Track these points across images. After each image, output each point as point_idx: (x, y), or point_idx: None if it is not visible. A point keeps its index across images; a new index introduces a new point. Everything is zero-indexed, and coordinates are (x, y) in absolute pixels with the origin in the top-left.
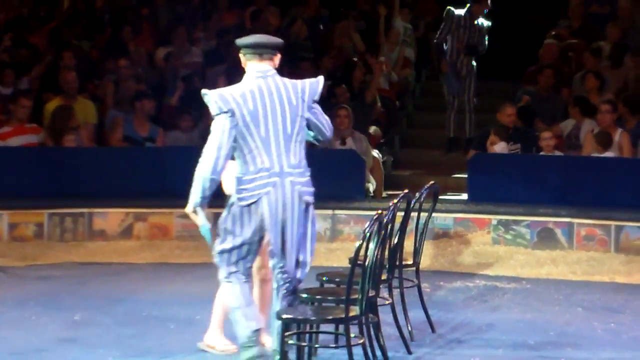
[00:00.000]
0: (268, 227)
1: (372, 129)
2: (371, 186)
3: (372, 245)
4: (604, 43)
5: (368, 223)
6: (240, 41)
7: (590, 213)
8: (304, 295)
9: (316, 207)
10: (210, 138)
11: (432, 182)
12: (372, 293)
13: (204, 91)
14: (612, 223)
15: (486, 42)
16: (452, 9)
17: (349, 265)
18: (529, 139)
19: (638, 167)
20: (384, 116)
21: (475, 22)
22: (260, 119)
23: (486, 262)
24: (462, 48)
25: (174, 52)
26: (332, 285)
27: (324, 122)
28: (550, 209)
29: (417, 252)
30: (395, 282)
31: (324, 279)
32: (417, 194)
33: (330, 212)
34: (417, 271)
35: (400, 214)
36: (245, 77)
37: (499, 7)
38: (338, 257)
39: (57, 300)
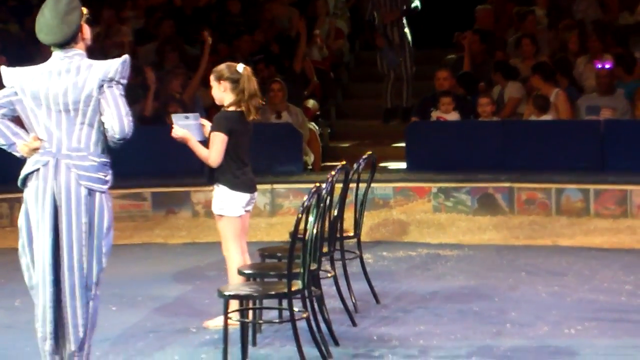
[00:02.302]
0: (31, 216)
1: (309, 101)
2: (309, 159)
3: (311, 219)
4: (537, 7)
5: (307, 196)
6: (39, 37)
7: (530, 177)
8: (247, 272)
9: (256, 182)
10: None
11: (369, 152)
12: (314, 266)
13: (1, 68)
14: (553, 186)
15: (414, 3)
16: None
17: (290, 240)
18: (467, 106)
19: (576, 129)
20: (319, 88)
21: None
22: (42, 98)
23: (428, 231)
24: (389, 18)
25: (102, 32)
26: (273, 260)
27: (115, 110)
28: (490, 174)
29: (357, 224)
30: (337, 255)
31: (266, 254)
32: (355, 165)
33: (269, 186)
34: (359, 242)
35: (339, 186)
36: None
37: None
38: (279, 232)
39: None
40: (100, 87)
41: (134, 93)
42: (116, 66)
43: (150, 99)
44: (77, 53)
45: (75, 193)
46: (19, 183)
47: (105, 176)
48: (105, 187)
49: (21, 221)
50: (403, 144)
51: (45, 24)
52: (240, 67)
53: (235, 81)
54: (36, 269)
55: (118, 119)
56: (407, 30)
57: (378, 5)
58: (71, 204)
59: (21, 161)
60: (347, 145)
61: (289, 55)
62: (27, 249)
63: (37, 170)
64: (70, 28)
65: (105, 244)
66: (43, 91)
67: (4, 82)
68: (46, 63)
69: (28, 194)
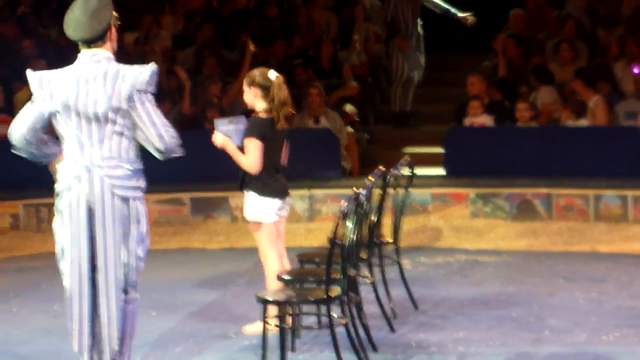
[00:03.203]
0: (66, 227)
1: (347, 106)
2: (347, 164)
3: (350, 224)
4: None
5: (345, 202)
6: (67, 33)
7: (568, 183)
8: (285, 277)
9: (293, 187)
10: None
11: (407, 157)
12: (352, 272)
13: (28, 72)
14: (591, 192)
15: (445, 6)
16: None
17: (328, 245)
18: (503, 111)
19: (614, 134)
20: (358, 93)
21: None
22: (72, 108)
23: (466, 237)
24: (410, 20)
25: (142, 37)
26: (312, 266)
27: (152, 129)
28: (528, 180)
29: (396, 229)
30: (375, 260)
31: (304, 259)
32: (393, 170)
33: (307, 192)
34: (397, 248)
35: (377, 191)
36: (76, 61)
37: None
38: (317, 237)
39: (36, 291)
40: (130, 98)
41: (171, 97)
42: (145, 77)
43: (187, 97)
44: (105, 56)
45: (110, 203)
46: (55, 196)
47: (140, 182)
48: (140, 193)
49: (57, 229)
50: (441, 150)
51: (74, 20)
52: (273, 74)
53: (266, 88)
54: (72, 282)
55: (157, 136)
56: (421, 32)
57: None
58: (106, 213)
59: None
60: (384, 150)
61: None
62: (65, 254)
63: (70, 185)
64: (101, 25)
65: (143, 250)
66: (72, 100)
67: (33, 89)
68: (73, 66)
69: (63, 206)
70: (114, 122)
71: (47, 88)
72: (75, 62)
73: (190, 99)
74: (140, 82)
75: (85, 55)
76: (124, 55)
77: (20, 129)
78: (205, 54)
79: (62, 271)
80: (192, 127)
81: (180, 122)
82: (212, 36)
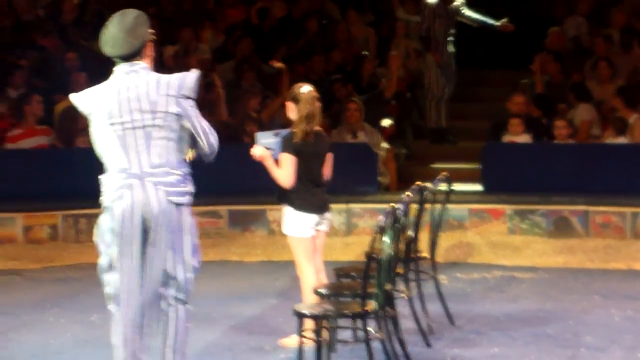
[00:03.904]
0: (118, 236)
1: (385, 121)
2: (385, 179)
3: (387, 239)
4: (612, 29)
5: (382, 216)
6: (104, 50)
7: (605, 200)
8: (322, 291)
9: (331, 202)
10: None
11: (444, 173)
12: (388, 287)
13: (70, 96)
14: (628, 210)
15: (481, 18)
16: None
17: (365, 260)
18: (540, 128)
19: None
20: (396, 109)
21: (450, 10)
22: (115, 117)
23: (503, 253)
24: (441, 36)
25: (181, 51)
26: (348, 280)
27: (199, 126)
28: (566, 197)
29: (432, 245)
30: (411, 275)
31: (341, 273)
32: (430, 186)
33: (344, 206)
34: (434, 263)
35: (414, 207)
36: (113, 74)
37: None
38: (354, 251)
39: (74, 301)
40: (178, 103)
41: (209, 109)
42: (191, 82)
43: (222, 105)
44: (143, 67)
45: (165, 210)
46: (102, 205)
47: (190, 187)
48: (191, 199)
49: (102, 240)
50: (478, 166)
51: (112, 37)
52: (305, 88)
53: (297, 102)
54: (124, 291)
55: (205, 139)
56: (452, 49)
57: (434, 18)
58: (161, 221)
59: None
60: (422, 165)
61: (363, 74)
62: (111, 269)
63: (122, 194)
64: (138, 40)
65: (197, 260)
66: (116, 110)
67: (80, 109)
68: (111, 80)
69: (114, 216)
70: (161, 128)
71: (91, 104)
72: (113, 76)
73: (226, 109)
74: (186, 88)
75: (122, 67)
76: (164, 68)
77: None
78: (244, 68)
79: (107, 282)
80: (231, 140)
81: (218, 134)
82: (251, 50)
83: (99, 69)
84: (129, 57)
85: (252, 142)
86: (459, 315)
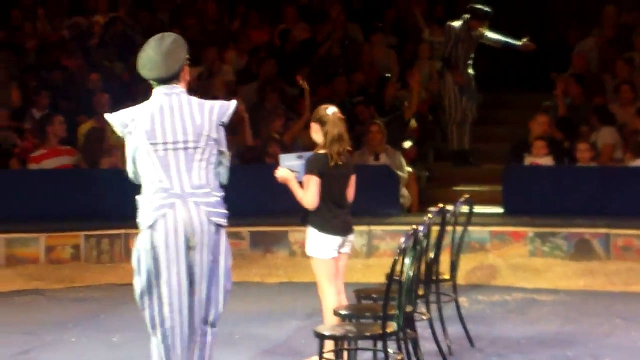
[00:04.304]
0: (161, 256)
1: (407, 144)
2: (406, 201)
3: (408, 261)
4: (635, 52)
5: (404, 238)
6: (142, 73)
7: (627, 223)
8: (342, 313)
9: (353, 224)
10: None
11: (466, 195)
12: (409, 309)
13: (106, 116)
14: None
15: (504, 39)
16: (451, 23)
17: (386, 282)
18: (561, 150)
19: None
20: (418, 131)
21: (473, 35)
22: (158, 137)
23: (524, 275)
24: (462, 60)
25: (205, 72)
26: (369, 302)
27: (228, 156)
28: (587, 220)
29: (454, 267)
30: (432, 297)
31: (362, 295)
32: (452, 208)
33: (366, 228)
34: (455, 286)
35: (435, 229)
36: (152, 97)
37: (530, 20)
38: (375, 273)
39: (95, 322)
40: (219, 128)
41: (232, 130)
42: (231, 112)
43: (247, 129)
44: (182, 90)
45: (208, 230)
46: (143, 226)
47: (226, 210)
48: (227, 222)
49: (142, 261)
50: (500, 188)
51: (150, 60)
52: (330, 110)
53: (323, 124)
54: (171, 312)
55: (227, 167)
56: (471, 72)
57: (457, 41)
58: (204, 241)
59: (126, 199)
60: (443, 188)
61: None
62: (153, 291)
63: (165, 213)
64: (177, 63)
65: (230, 283)
66: (159, 130)
67: (117, 129)
68: (151, 102)
69: (158, 235)
70: (203, 151)
71: (131, 125)
72: (152, 98)
73: (251, 132)
74: (227, 116)
75: (161, 90)
76: (188, 90)
77: (129, 167)
78: (268, 89)
79: (145, 305)
80: (254, 161)
81: (241, 156)
82: (274, 72)
83: (121, 91)
84: (167, 80)
85: (274, 164)
86: (480, 338)
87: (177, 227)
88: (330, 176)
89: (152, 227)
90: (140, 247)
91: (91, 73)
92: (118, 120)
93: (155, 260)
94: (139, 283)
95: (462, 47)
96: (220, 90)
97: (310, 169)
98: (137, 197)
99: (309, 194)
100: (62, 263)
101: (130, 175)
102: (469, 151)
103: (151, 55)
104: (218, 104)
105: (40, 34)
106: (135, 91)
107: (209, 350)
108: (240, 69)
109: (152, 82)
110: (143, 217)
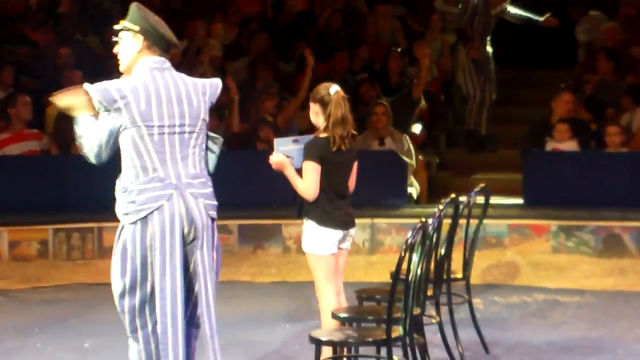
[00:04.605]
0: (156, 254)
1: (415, 127)
2: (414, 191)
3: (416, 258)
4: None
5: (411, 232)
6: (146, 22)
7: None
8: (342, 315)
9: (355, 216)
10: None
11: (481, 184)
12: (417, 311)
13: (85, 86)
14: None
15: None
16: None
17: (391, 281)
18: (587, 133)
19: None
20: (428, 112)
21: (493, 11)
22: (154, 119)
23: (546, 274)
24: (478, 33)
25: (191, 47)
26: (372, 303)
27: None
28: (617, 212)
29: (467, 264)
30: (443, 298)
31: (363, 296)
32: (466, 198)
33: (369, 221)
34: (468, 285)
35: (447, 222)
36: (136, 68)
37: None
38: (378, 271)
39: (64, 326)
40: (210, 110)
41: (219, 112)
42: (219, 90)
43: (235, 113)
44: (170, 66)
45: (207, 225)
46: (131, 219)
47: (216, 202)
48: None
49: (128, 258)
50: (519, 176)
51: (161, 22)
52: (333, 89)
53: (324, 104)
54: (163, 317)
55: (218, 150)
56: (489, 49)
57: (473, 14)
58: (204, 237)
59: (99, 189)
60: (456, 176)
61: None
62: (137, 290)
63: (161, 205)
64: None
65: (218, 277)
66: (156, 110)
67: (100, 103)
68: (141, 76)
69: (151, 231)
70: (198, 136)
71: (120, 101)
72: (140, 72)
73: (239, 115)
74: (216, 96)
75: (149, 63)
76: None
77: (97, 146)
78: (260, 66)
79: (124, 309)
80: (243, 146)
81: (228, 141)
82: (267, 47)
83: (95, 67)
84: (169, 46)
85: (266, 149)
86: (496, 344)
87: (173, 221)
88: (331, 163)
89: (144, 220)
90: (127, 243)
91: (60, 47)
92: (103, 93)
93: (145, 257)
94: (120, 283)
95: (479, 21)
96: (207, 68)
97: (309, 154)
98: (120, 185)
99: (308, 182)
100: (27, 260)
101: (95, 156)
102: (486, 136)
103: (157, 18)
104: (207, 83)
105: (2, 4)
106: (111, 67)
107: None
108: (229, 43)
109: (149, 44)
110: (131, 209)
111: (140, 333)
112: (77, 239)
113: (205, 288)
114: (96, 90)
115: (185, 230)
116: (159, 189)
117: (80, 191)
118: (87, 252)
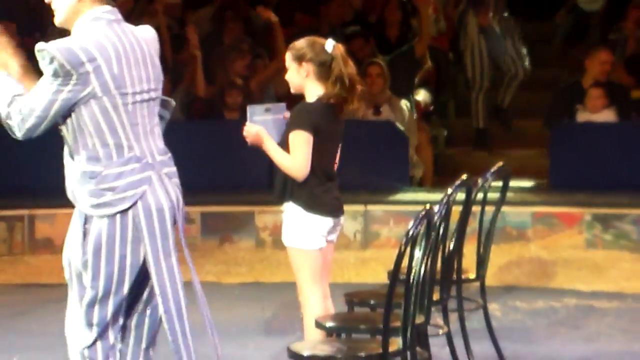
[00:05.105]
0: (149, 251)
1: (419, 92)
2: (417, 171)
3: (418, 253)
4: None
5: (413, 222)
6: None
7: None
8: (328, 324)
9: (344, 202)
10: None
11: (499, 163)
12: (420, 319)
13: (40, 45)
14: None
15: None
16: None
17: (388, 282)
18: (629, 102)
19: None
20: (434, 75)
21: None
22: (127, 85)
23: (578, 274)
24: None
25: None
26: (365, 310)
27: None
28: None
29: (481, 262)
30: (452, 304)
31: (354, 300)
32: (480, 180)
33: (361, 207)
34: (483, 288)
35: (457, 209)
36: (83, 20)
37: None
38: (373, 270)
39: None
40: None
41: (177, 74)
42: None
43: (199, 73)
44: (118, 11)
45: (183, 210)
46: (107, 211)
47: None
48: None
49: (104, 258)
50: (545, 153)
51: None
52: (330, 44)
53: (323, 64)
54: (169, 318)
55: (169, 116)
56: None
57: None
58: (182, 225)
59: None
60: (469, 153)
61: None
62: (110, 297)
63: (144, 192)
64: None
65: None
66: (127, 74)
67: (64, 66)
68: (101, 31)
69: (136, 225)
70: (158, 102)
71: (88, 65)
72: (96, 25)
73: (203, 76)
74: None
75: (102, 13)
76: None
77: (34, 120)
78: (227, 16)
79: (95, 321)
80: (206, 115)
81: (188, 108)
82: None
83: (26, 19)
84: None
85: (236, 119)
86: (517, 359)
87: (161, 208)
88: (326, 134)
89: (125, 211)
90: (102, 240)
91: None
92: (67, 54)
93: (124, 258)
94: (89, 290)
95: None
96: (162, 18)
97: (301, 122)
98: (80, 169)
99: (299, 157)
100: None
101: (27, 130)
102: (506, 110)
103: None
104: (151, 33)
105: None
106: (44, 19)
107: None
108: None
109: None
110: (109, 198)
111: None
112: (3, 230)
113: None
114: (58, 49)
115: (172, 216)
116: (138, 170)
117: (8, 172)
118: (15, 246)
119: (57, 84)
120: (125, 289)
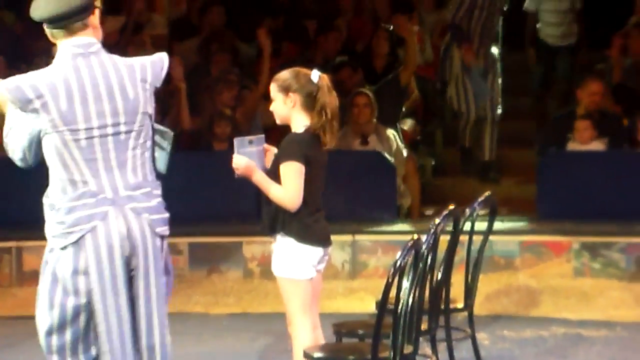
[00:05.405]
0: (94, 285)
1: (406, 122)
2: (405, 201)
3: (407, 283)
4: None
5: (401, 252)
6: (33, 15)
7: None
8: (316, 355)
9: (332, 232)
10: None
11: (487, 192)
12: (408, 349)
13: (1, 82)
14: None
15: None
16: None
17: (376, 312)
18: (620, 130)
19: None
20: (421, 104)
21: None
22: (79, 121)
23: (566, 302)
24: (477, 33)
25: (129, 23)
26: (353, 340)
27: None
28: None
29: (469, 291)
30: (440, 333)
31: (342, 330)
32: (468, 210)
33: (349, 237)
34: (471, 317)
35: (444, 239)
36: (57, 55)
37: None
38: (361, 300)
39: None
40: (151, 99)
41: (163, 104)
42: (165, 69)
43: (183, 105)
44: (98, 47)
45: (153, 247)
46: (60, 243)
47: (167, 214)
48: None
49: (58, 290)
50: (533, 183)
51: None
52: (315, 75)
53: (310, 95)
54: (111, 347)
55: (169, 146)
56: (494, 50)
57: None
58: (149, 261)
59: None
60: (457, 182)
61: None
62: (67, 326)
63: (95, 227)
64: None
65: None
66: (80, 110)
67: (17, 101)
68: (62, 65)
69: (84, 258)
70: (138, 134)
71: (37, 101)
72: (62, 58)
73: (189, 108)
74: (162, 77)
75: (71, 46)
76: (105, 48)
77: (21, 151)
78: (214, 47)
79: (51, 349)
80: (194, 146)
81: (175, 140)
82: (222, 23)
83: (12, 49)
84: (68, 21)
85: (224, 150)
86: None
87: (111, 244)
88: (315, 165)
89: (76, 244)
90: (56, 269)
91: None
92: (15, 92)
93: (77, 288)
94: (47, 318)
95: (479, 17)
96: (149, 49)
97: (292, 153)
98: (47, 201)
99: (291, 188)
100: None
101: (20, 160)
102: (491, 162)
103: None
104: (149, 62)
105: None
106: (31, 49)
107: None
108: (176, 18)
109: (52, 32)
110: (60, 231)
111: None
112: None
113: (153, 320)
114: (7, 88)
115: (127, 254)
116: (91, 206)
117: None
118: (2, 278)
119: (22, 118)
120: (82, 318)
